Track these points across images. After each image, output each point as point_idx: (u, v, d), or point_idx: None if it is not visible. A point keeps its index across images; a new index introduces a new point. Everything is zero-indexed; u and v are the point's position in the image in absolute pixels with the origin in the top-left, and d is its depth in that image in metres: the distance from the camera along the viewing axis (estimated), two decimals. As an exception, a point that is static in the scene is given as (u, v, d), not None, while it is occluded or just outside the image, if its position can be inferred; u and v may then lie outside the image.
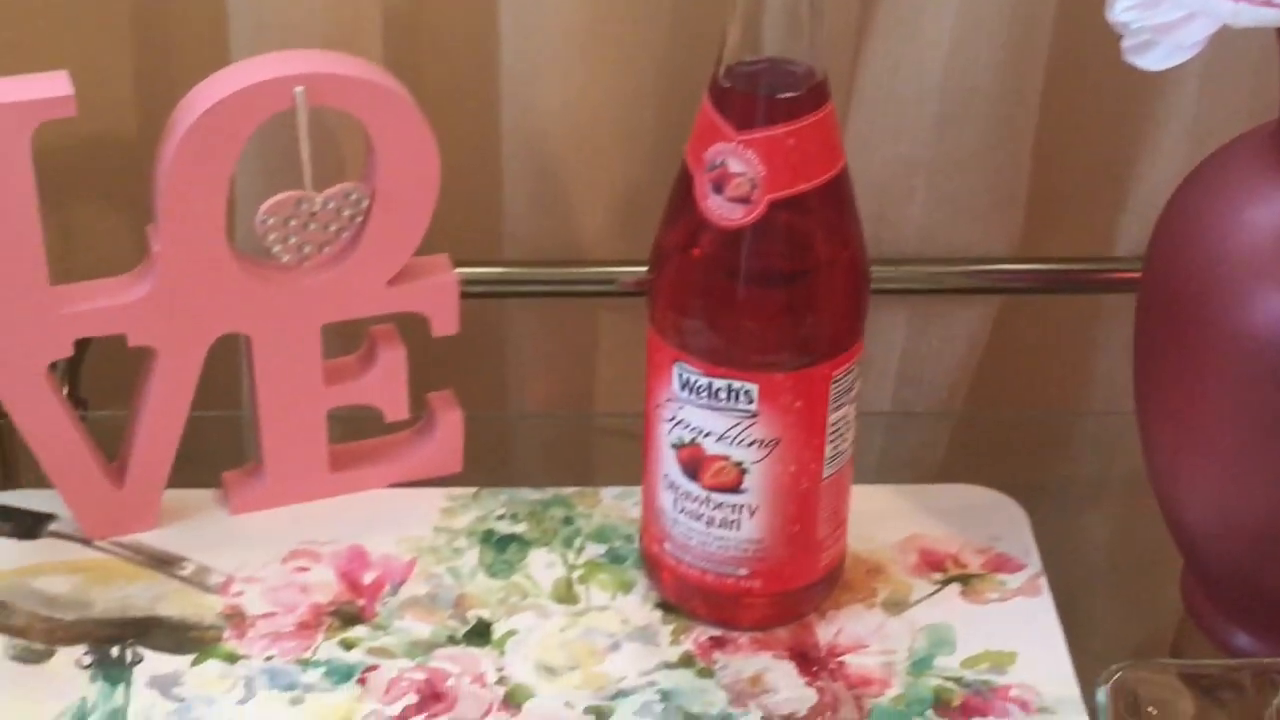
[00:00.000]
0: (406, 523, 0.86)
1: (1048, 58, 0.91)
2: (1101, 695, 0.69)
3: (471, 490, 0.88)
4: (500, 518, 0.86)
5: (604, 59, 0.90)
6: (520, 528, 0.86)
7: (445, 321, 0.84)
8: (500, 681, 0.78)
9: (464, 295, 0.84)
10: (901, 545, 0.85)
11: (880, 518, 0.86)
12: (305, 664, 0.79)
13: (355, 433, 0.87)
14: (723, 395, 0.75)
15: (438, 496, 0.87)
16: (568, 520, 0.86)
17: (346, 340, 0.86)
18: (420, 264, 0.83)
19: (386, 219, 0.81)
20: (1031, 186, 0.95)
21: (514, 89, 0.91)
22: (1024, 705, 0.77)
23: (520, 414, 0.98)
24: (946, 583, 0.83)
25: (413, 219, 0.81)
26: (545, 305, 0.96)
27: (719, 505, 0.77)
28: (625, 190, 0.92)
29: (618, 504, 0.87)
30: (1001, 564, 0.84)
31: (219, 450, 0.89)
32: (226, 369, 0.86)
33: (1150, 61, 0.69)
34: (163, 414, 0.83)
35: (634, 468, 0.81)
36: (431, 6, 0.93)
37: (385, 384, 0.85)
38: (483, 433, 0.89)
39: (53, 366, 0.81)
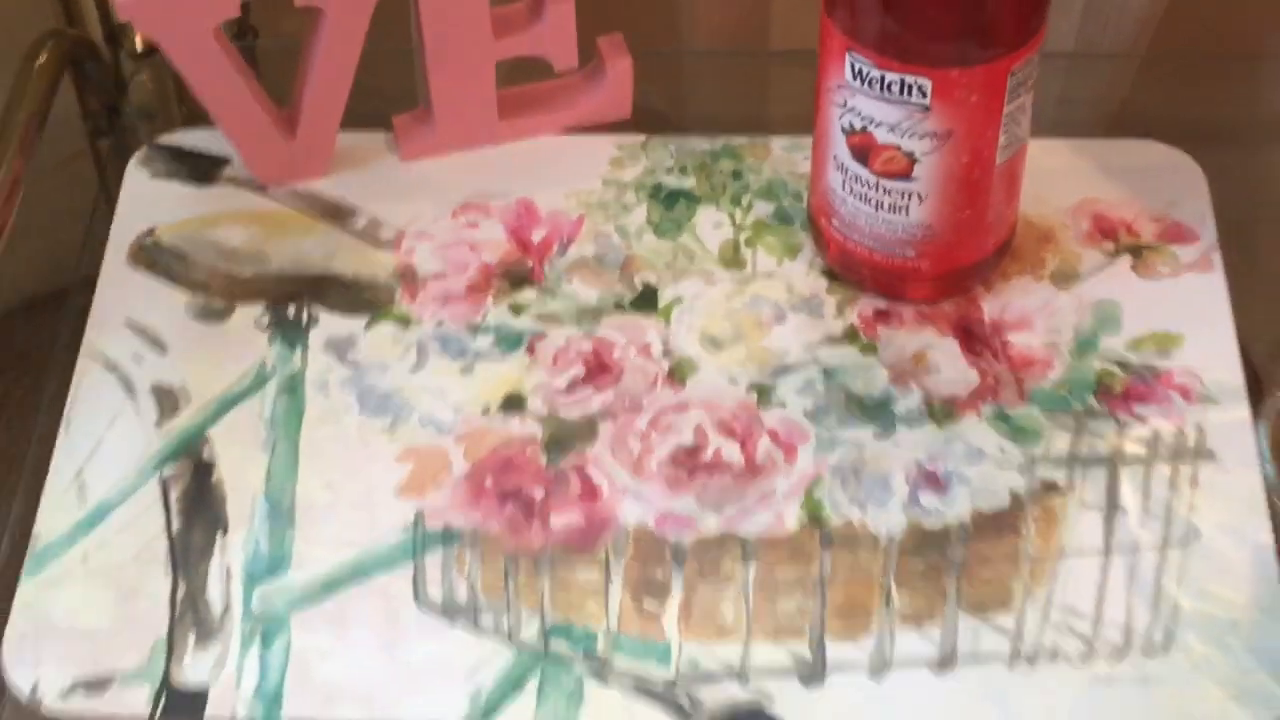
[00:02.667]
0: (575, 174, 0.86)
1: None
2: (1258, 433, 0.69)
3: (640, 138, 0.87)
4: (669, 170, 0.86)
5: None
6: (689, 182, 0.85)
7: (615, -27, 0.82)
8: (666, 354, 0.79)
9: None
10: (1074, 210, 0.84)
11: (1054, 177, 0.85)
12: (475, 330, 0.80)
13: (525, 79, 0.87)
14: (895, 89, 0.73)
15: (606, 145, 0.87)
16: (736, 174, 0.86)
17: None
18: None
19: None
20: None
21: None
22: (1185, 393, 0.78)
23: (691, 50, 0.96)
24: (1118, 253, 0.83)
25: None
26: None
27: (888, 191, 0.77)
28: None
29: (787, 156, 0.86)
30: (1176, 234, 0.83)
31: (390, 87, 0.88)
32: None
33: None
34: (334, 73, 0.82)
35: (808, 108, 0.79)
36: None
37: (554, 32, 0.84)
38: (652, 70, 0.87)
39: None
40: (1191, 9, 0.93)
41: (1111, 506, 0.75)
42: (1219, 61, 0.93)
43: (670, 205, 0.85)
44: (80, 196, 0.88)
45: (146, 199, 0.85)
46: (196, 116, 0.88)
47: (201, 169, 0.87)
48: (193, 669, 0.71)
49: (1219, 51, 0.93)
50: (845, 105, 0.75)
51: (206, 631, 0.72)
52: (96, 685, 0.70)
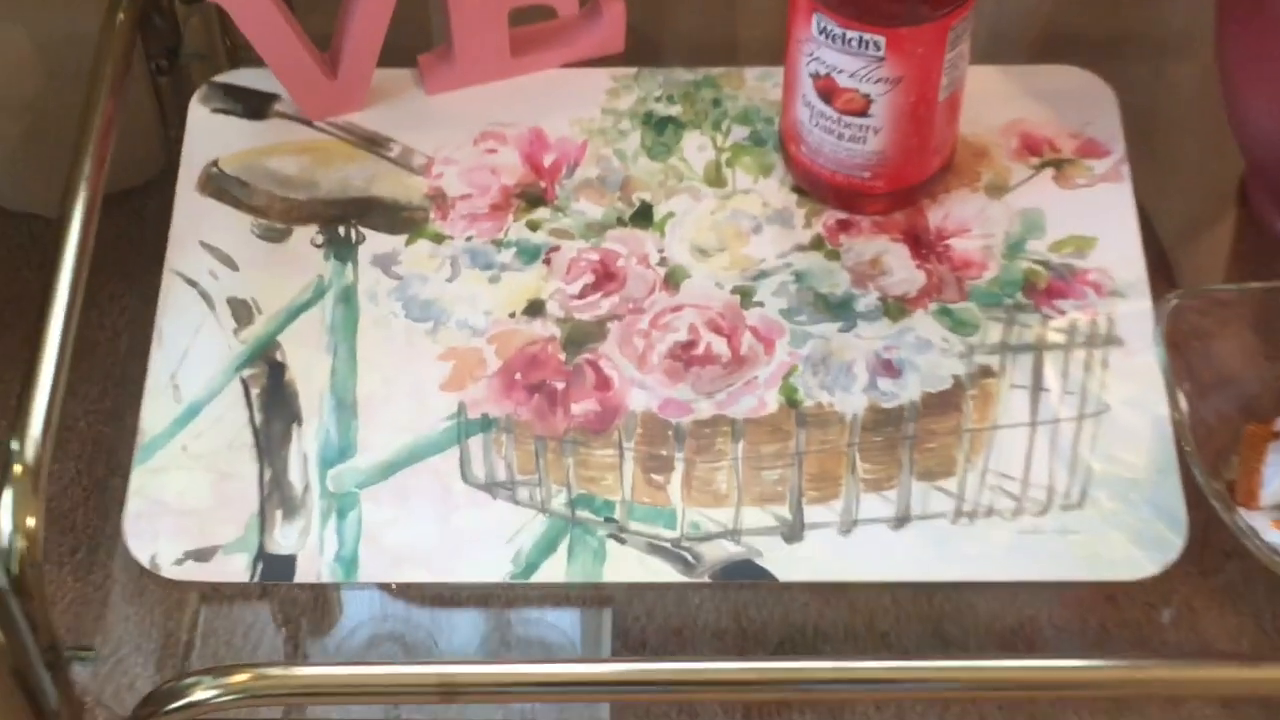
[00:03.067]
0: (577, 104, 1.00)
1: None
2: (1155, 326, 0.84)
3: (633, 71, 1.01)
4: (658, 99, 1.00)
5: None
6: (675, 109, 0.99)
7: (610, -66, 0.96)
8: (661, 263, 0.94)
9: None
10: (1004, 129, 0.99)
11: (988, 101, 0.99)
12: (499, 244, 0.95)
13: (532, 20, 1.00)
14: (854, 44, 0.87)
15: (603, 77, 1.01)
16: (716, 102, 1.00)
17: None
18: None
19: None
20: None
21: None
22: (1098, 289, 0.93)
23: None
24: (1042, 167, 0.97)
25: None
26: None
27: (848, 125, 0.91)
28: None
29: (759, 85, 1.00)
30: (1091, 149, 0.98)
31: (416, 30, 1.01)
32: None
33: None
34: (369, 21, 0.96)
35: (777, 35, 0.92)
36: None
37: (558, -17, 0.98)
38: (643, 12, 1.01)
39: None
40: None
41: (1036, 386, 0.90)
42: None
43: (660, 131, 0.99)
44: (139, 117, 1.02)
45: (209, 132, 0.99)
46: (240, 58, 1.01)
47: (255, 105, 1.00)
48: (282, 539, 0.86)
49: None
50: (812, 55, 0.89)
51: (291, 508, 0.87)
52: (203, 555, 0.85)
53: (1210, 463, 0.84)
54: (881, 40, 0.87)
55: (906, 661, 0.83)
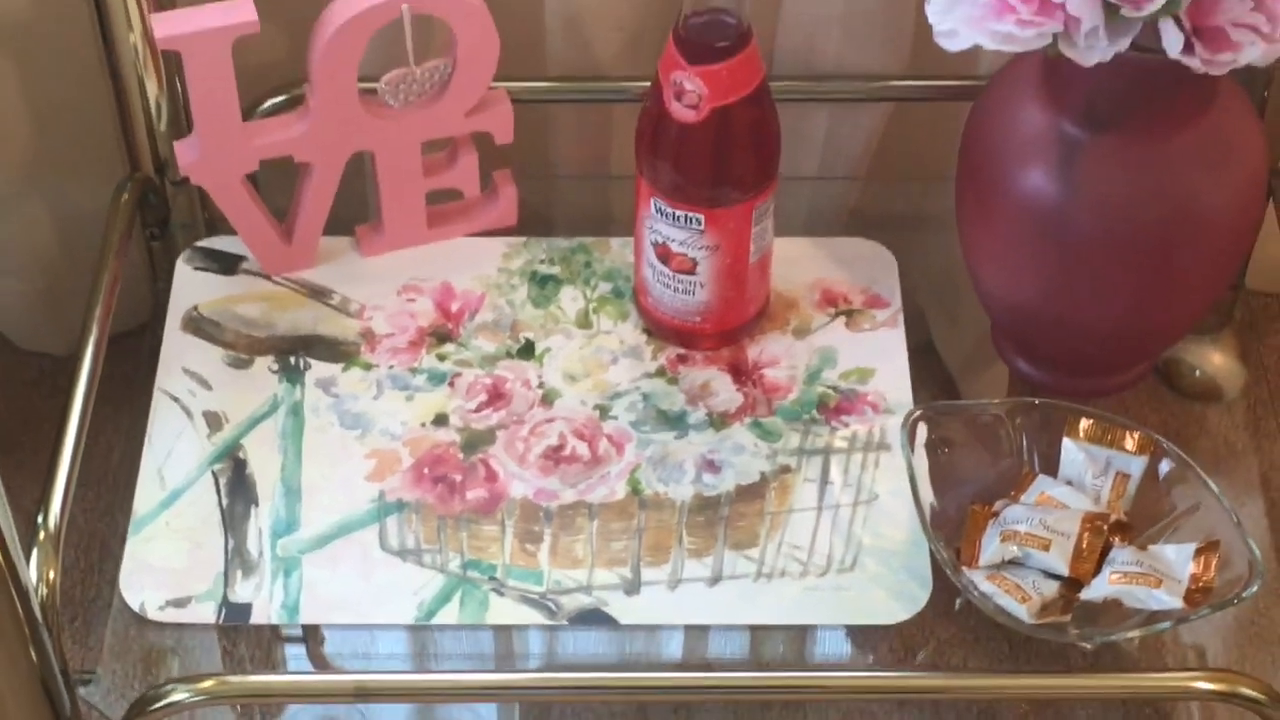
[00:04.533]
0: (478, 265, 1.28)
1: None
2: (902, 433, 1.12)
3: (523, 239, 1.29)
4: (542, 261, 1.28)
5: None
6: (555, 269, 1.27)
7: (504, 134, 1.24)
8: (540, 386, 1.21)
9: (518, 101, 1.24)
10: (810, 286, 1.27)
11: (798, 263, 1.27)
12: (414, 371, 1.22)
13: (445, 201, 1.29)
14: (681, 220, 1.16)
15: (499, 244, 1.29)
16: (587, 264, 1.28)
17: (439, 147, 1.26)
18: (487, 97, 1.22)
19: (462, 78, 1.20)
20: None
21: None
22: (874, 407, 1.20)
23: (559, 175, 1.38)
24: (836, 315, 1.25)
25: (480, 76, 1.21)
26: (576, 109, 1.36)
27: (681, 281, 1.19)
28: (633, 27, 1.30)
29: (621, 251, 1.28)
30: (875, 302, 1.26)
31: (354, 206, 1.29)
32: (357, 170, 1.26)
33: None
34: (317, 202, 1.24)
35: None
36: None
37: (464, 172, 1.26)
38: (531, 195, 1.29)
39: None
40: (896, 143, 1.36)
41: (824, 481, 1.17)
42: (913, 181, 1.36)
43: (543, 285, 1.27)
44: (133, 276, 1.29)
45: (191, 284, 1.27)
46: (216, 227, 1.29)
47: (227, 263, 1.28)
48: (242, 592, 1.12)
49: (917, 173, 1.37)
50: (652, 228, 1.18)
51: (249, 568, 1.13)
52: (180, 602, 1.12)
53: (948, 535, 1.11)
54: (701, 217, 1.15)
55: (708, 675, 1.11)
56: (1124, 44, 0.99)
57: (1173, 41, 0.98)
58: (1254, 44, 0.98)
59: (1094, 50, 0.99)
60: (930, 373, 1.25)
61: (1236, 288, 1.37)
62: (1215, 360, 1.34)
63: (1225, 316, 1.36)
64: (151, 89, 1.25)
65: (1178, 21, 0.98)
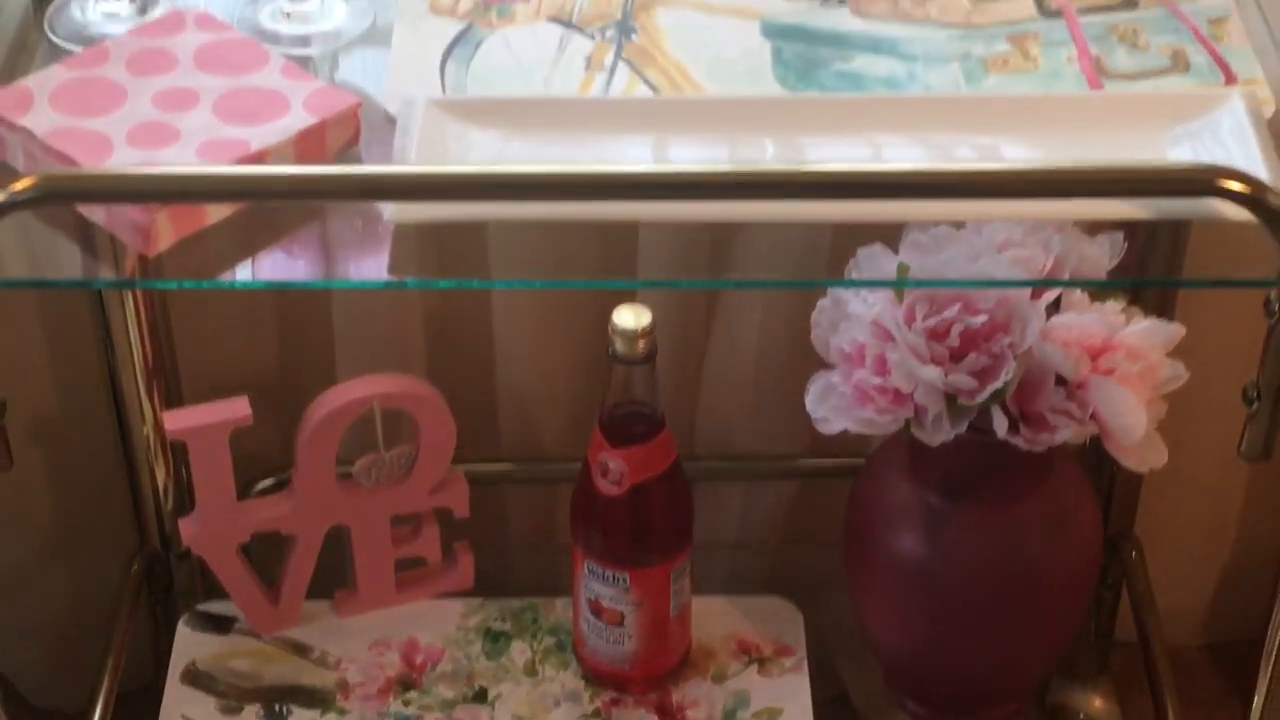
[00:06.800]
0: (440, 623, 1.47)
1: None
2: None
3: (479, 600, 1.49)
4: (495, 619, 1.47)
5: (561, 345, 1.49)
6: (507, 626, 1.47)
7: (461, 510, 1.45)
8: (492, 727, 1.40)
9: (474, 480, 1.45)
10: (726, 637, 1.46)
11: (716, 619, 1.47)
12: (382, 716, 1.40)
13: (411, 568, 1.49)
14: (610, 579, 1.36)
15: (459, 605, 1.49)
16: (534, 620, 1.47)
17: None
18: (447, 478, 1.43)
19: (425, 461, 1.41)
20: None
21: (504, 359, 1.51)
22: (783, 742, 1.39)
23: (509, 545, 1.59)
24: (750, 663, 1.44)
25: (441, 460, 1.42)
26: (525, 486, 1.57)
27: (612, 631, 1.38)
28: (573, 414, 1.52)
29: (564, 610, 1.48)
30: (784, 651, 1.45)
31: (332, 574, 1.49)
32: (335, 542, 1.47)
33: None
34: (300, 570, 1.44)
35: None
36: (454, 321, 1.51)
37: (427, 542, 1.46)
38: (485, 562, 1.50)
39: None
40: (801, 513, 1.57)
41: (737, 806, 1.35)
42: (821, 546, 1.57)
43: (495, 640, 1.46)
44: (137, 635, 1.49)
45: (191, 644, 1.46)
46: (213, 593, 1.49)
47: (222, 624, 1.47)
48: None
49: (823, 538, 1.57)
50: (586, 586, 1.37)
51: None
52: None
53: None
54: (627, 577, 1.35)
55: None
56: (963, 426, 1.20)
57: (1000, 424, 1.19)
58: (1068, 426, 1.19)
59: (939, 432, 1.21)
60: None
61: (1108, 637, 1.58)
62: (1096, 705, 1.54)
63: (1102, 665, 1.57)
64: (160, 474, 1.47)
65: (1004, 408, 1.19)
